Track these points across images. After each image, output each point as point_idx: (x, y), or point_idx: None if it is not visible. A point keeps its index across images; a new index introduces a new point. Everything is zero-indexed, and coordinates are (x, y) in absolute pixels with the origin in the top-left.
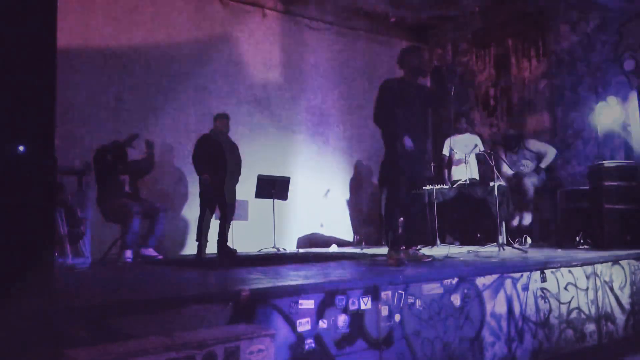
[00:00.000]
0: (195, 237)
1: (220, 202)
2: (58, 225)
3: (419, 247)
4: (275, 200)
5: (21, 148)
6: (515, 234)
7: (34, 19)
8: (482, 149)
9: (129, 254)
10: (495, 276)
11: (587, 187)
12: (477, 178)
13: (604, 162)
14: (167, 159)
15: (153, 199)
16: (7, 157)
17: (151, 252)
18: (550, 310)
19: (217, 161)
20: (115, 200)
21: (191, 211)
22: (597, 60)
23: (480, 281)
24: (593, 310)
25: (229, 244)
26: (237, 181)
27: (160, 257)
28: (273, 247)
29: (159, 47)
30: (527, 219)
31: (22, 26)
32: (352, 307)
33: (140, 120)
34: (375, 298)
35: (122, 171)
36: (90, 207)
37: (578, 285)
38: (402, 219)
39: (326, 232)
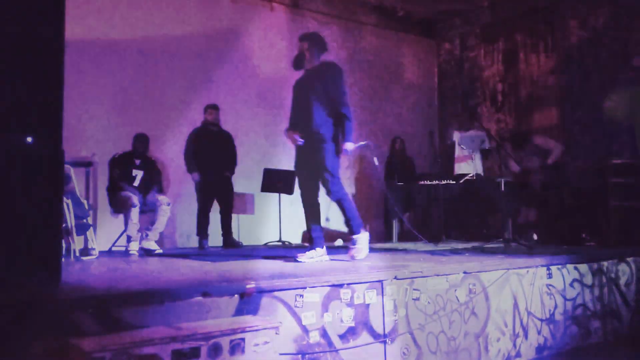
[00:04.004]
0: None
1: (218, 195)
2: (65, 216)
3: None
4: (281, 194)
5: (29, 139)
6: (521, 230)
7: (42, 12)
8: (489, 145)
9: (135, 245)
10: (500, 272)
11: (594, 184)
12: (482, 174)
13: (611, 158)
14: (173, 153)
15: (159, 192)
16: (15, 148)
17: (152, 245)
18: (555, 307)
19: (211, 154)
20: (121, 192)
21: (196, 205)
22: (605, 56)
23: (486, 276)
24: (598, 307)
25: (235, 237)
26: (232, 172)
27: (159, 250)
28: (279, 241)
29: (166, 40)
30: (533, 215)
31: (30, 18)
32: (357, 301)
33: (147, 113)
34: (381, 292)
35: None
36: (97, 198)
37: (584, 281)
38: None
39: (332, 226)
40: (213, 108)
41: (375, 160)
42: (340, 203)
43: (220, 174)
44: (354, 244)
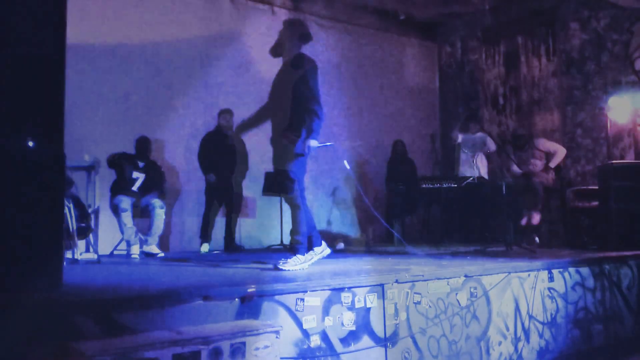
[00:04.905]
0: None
1: (226, 199)
2: (66, 220)
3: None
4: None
5: (31, 143)
6: (524, 233)
7: (44, 16)
8: (491, 147)
9: (136, 249)
10: (502, 275)
11: (596, 187)
12: (486, 177)
13: (613, 161)
14: (174, 156)
15: (160, 196)
16: (17, 152)
17: (153, 249)
18: (557, 310)
19: (221, 158)
20: (115, 196)
21: (199, 208)
22: (607, 59)
23: (487, 280)
24: (600, 311)
25: (236, 240)
26: (243, 177)
27: (161, 254)
28: (280, 244)
29: (168, 44)
30: (536, 218)
31: (32, 23)
32: (358, 305)
33: (148, 116)
34: (382, 296)
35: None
36: (98, 202)
37: (586, 285)
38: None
39: (333, 229)
40: (226, 112)
41: (346, 163)
42: (293, 211)
43: (226, 177)
44: (287, 258)
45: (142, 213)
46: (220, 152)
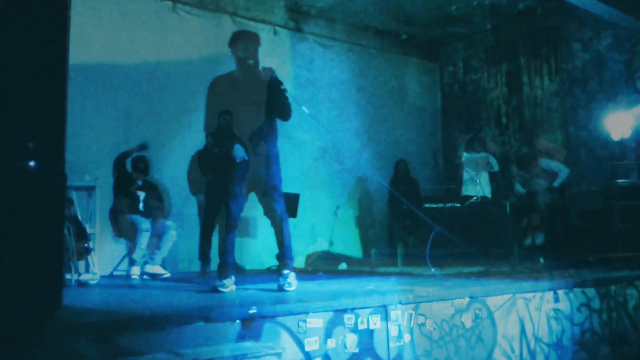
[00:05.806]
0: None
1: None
2: (66, 240)
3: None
4: None
5: (31, 163)
6: (528, 253)
7: (46, 36)
8: (494, 167)
9: (136, 270)
10: (507, 296)
11: (600, 206)
12: (489, 197)
13: (617, 180)
14: (176, 176)
15: (162, 215)
16: (18, 172)
17: (158, 269)
18: (563, 332)
19: (212, 174)
20: (126, 216)
21: (198, 228)
22: (609, 78)
23: (492, 301)
24: (607, 332)
25: (237, 261)
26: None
27: (167, 274)
28: None
29: (169, 63)
30: (540, 237)
31: (34, 43)
32: (361, 327)
33: (150, 136)
34: (385, 317)
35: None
36: (99, 222)
37: (591, 306)
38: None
39: (336, 249)
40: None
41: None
42: (282, 225)
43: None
44: (285, 278)
45: (154, 234)
46: (211, 170)
